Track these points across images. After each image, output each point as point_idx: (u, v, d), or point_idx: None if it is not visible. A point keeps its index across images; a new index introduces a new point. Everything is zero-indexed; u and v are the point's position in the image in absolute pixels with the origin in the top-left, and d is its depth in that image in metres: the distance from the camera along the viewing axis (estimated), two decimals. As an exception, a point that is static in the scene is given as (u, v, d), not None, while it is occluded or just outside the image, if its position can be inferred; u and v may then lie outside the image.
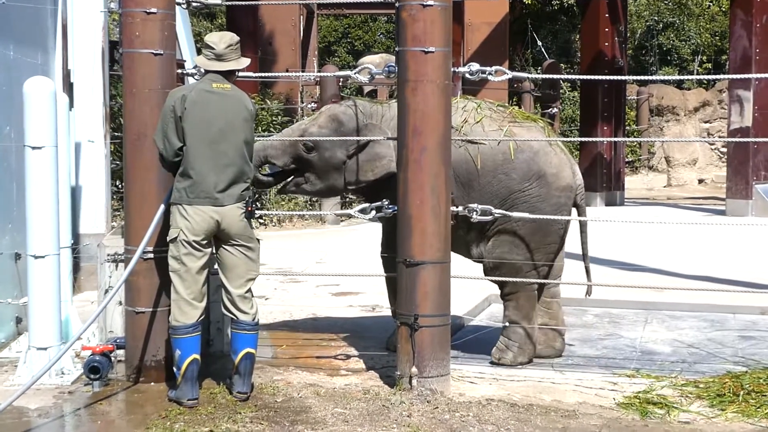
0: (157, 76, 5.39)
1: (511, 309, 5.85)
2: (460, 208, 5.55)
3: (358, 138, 5.91)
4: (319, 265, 9.58)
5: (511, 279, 5.75)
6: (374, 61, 19.98)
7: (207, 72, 5.21)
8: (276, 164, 6.06)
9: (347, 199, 12.68)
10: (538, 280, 5.83)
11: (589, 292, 6.16)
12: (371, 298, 7.77)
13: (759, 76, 13.66)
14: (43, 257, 5.54)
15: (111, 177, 8.49)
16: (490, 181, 5.71)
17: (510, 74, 5.75)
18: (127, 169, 5.47)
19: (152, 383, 5.44)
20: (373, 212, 5.59)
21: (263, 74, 10.70)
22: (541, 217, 5.68)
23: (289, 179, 6.13)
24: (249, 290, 5.22)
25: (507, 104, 6.19)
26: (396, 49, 5.32)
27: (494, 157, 5.72)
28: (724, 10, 27.16)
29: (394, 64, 5.38)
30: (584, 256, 6.08)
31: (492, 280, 5.94)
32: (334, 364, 5.94)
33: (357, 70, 5.79)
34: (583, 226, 6.01)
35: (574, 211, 5.99)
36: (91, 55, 8.10)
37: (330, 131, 5.99)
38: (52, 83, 5.72)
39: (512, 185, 5.72)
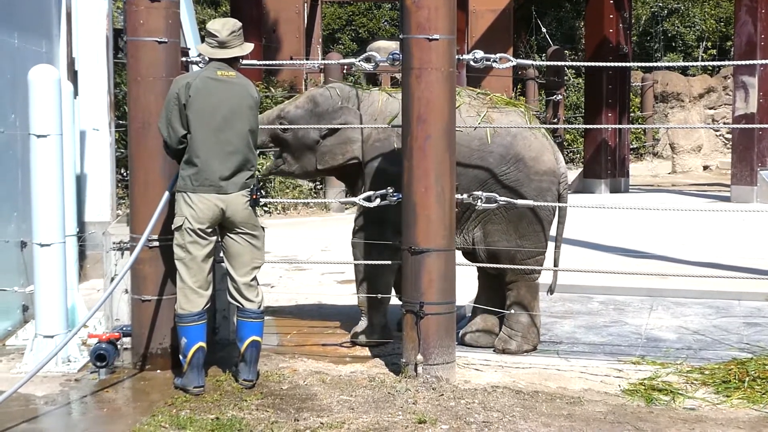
0: (161, 64, 5.39)
1: (512, 298, 5.86)
2: (465, 196, 5.55)
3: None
4: (324, 252, 9.58)
5: (507, 266, 5.75)
6: (390, 47, 19.76)
7: (211, 60, 5.21)
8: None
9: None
10: (535, 267, 5.82)
11: (552, 289, 6.08)
12: (376, 285, 7.77)
13: (764, 62, 13.61)
14: (48, 245, 5.55)
15: (116, 165, 8.48)
16: (466, 167, 5.70)
17: (514, 61, 5.74)
18: (131, 157, 5.48)
19: (158, 371, 5.46)
20: (378, 200, 5.60)
21: (267, 62, 10.66)
22: (551, 204, 5.70)
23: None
24: (254, 278, 5.23)
25: (489, 91, 6.17)
26: (400, 36, 5.31)
27: (470, 143, 5.73)
28: (729, -5, 27.06)
29: (398, 52, 5.38)
30: (556, 247, 5.98)
31: (491, 269, 5.91)
32: (339, 351, 5.95)
33: (361, 57, 5.80)
34: (561, 217, 5.95)
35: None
36: (95, 43, 8.08)
37: (305, 111, 6.09)
38: (56, 71, 5.72)
39: (490, 169, 5.72)
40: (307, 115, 6.06)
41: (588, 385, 5.25)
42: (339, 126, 5.96)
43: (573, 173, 15.72)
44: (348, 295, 7.55)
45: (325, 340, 6.18)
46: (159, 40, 5.37)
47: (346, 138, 5.99)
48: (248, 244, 5.18)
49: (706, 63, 8.94)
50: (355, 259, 6.05)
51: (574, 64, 7.63)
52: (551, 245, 5.94)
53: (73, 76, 7.77)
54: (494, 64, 5.64)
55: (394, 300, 6.05)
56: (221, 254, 5.28)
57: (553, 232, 5.93)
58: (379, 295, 5.94)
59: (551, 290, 6.06)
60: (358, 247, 6.02)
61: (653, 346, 6.05)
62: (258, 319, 5.23)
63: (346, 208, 13.24)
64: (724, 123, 21.17)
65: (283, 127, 6.08)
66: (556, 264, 5.98)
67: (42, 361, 5.04)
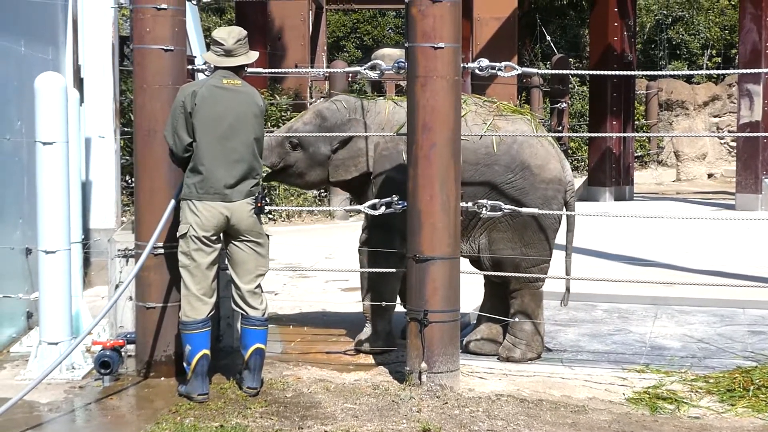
0: (167, 72, 5.41)
1: (516, 306, 5.85)
2: (470, 204, 5.55)
3: (336, 135, 5.99)
4: (328, 260, 9.59)
5: (509, 274, 5.74)
6: (394, 54, 19.73)
7: (217, 68, 5.22)
8: (264, 165, 6.15)
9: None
10: (539, 275, 5.81)
11: (565, 301, 6.04)
12: (380, 293, 7.76)
13: (769, 70, 13.61)
14: (53, 252, 5.56)
15: (121, 172, 8.50)
16: (472, 175, 5.71)
17: (519, 70, 5.74)
18: (137, 164, 5.49)
19: (162, 378, 5.46)
20: (383, 208, 5.60)
21: (273, 70, 10.70)
22: (556, 212, 5.70)
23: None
24: (259, 286, 5.23)
25: (495, 99, 6.16)
26: (405, 44, 5.32)
27: (476, 151, 5.73)
28: (733, 3, 27.05)
29: (403, 60, 5.39)
30: (567, 257, 5.94)
31: (496, 277, 5.91)
32: (343, 359, 5.95)
33: (367, 65, 5.80)
34: (570, 225, 5.93)
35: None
36: (101, 51, 8.11)
37: (314, 127, 6.07)
38: (62, 79, 5.74)
39: (495, 177, 5.72)
40: (316, 131, 6.04)
41: (592, 393, 5.24)
42: (341, 135, 5.97)
43: (577, 181, 15.72)
44: (352, 303, 7.55)
45: (329, 348, 6.17)
46: (165, 47, 5.38)
47: (357, 150, 5.99)
48: (253, 251, 5.19)
49: (711, 71, 8.97)
50: (361, 266, 6.05)
51: (579, 72, 7.63)
52: (556, 253, 5.93)
53: (79, 83, 7.79)
54: (499, 73, 5.64)
55: (399, 307, 6.05)
56: (226, 262, 5.29)
57: (562, 240, 5.93)
58: (384, 303, 5.94)
59: (565, 300, 6.02)
60: (364, 255, 6.02)
61: (657, 355, 6.04)
62: (262, 327, 5.23)
63: (351, 216, 13.26)
64: (729, 131, 21.14)
65: (294, 134, 6.05)
66: (568, 273, 5.96)
67: (47, 368, 5.04)
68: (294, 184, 6.47)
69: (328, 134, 5.99)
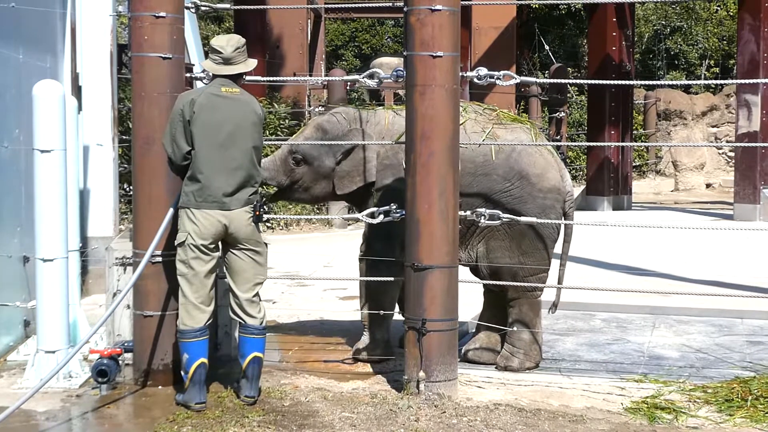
0: (165, 80, 5.41)
1: (514, 315, 5.85)
2: (468, 213, 5.55)
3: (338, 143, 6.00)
4: (326, 269, 9.58)
5: (507, 283, 5.73)
6: (393, 63, 19.76)
7: (215, 76, 5.22)
8: (272, 185, 6.14)
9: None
10: (537, 284, 5.81)
11: (555, 305, 6.02)
12: (378, 302, 7.75)
13: (767, 81, 13.63)
14: (51, 260, 5.55)
15: (119, 180, 8.49)
16: (470, 183, 5.70)
17: (518, 79, 5.74)
18: (135, 172, 5.48)
19: (160, 387, 5.45)
20: (381, 216, 5.59)
21: (271, 78, 10.71)
22: (554, 221, 5.70)
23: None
24: (257, 294, 5.22)
25: (495, 107, 6.16)
26: (404, 53, 5.32)
27: (474, 159, 5.73)
28: (731, 14, 27.10)
29: (402, 69, 5.39)
30: (561, 265, 5.94)
31: (494, 285, 5.90)
32: (341, 368, 5.94)
33: (365, 74, 5.80)
34: (567, 236, 5.94)
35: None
36: (99, 59, 8.11)
37: (316, 141, 6.03)
38: (60, 86, 5.74)
39: (493, 185, 5.72)
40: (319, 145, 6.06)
41: (590, 403, 5.24)
42: (343, 144, 5.97)
43: (576, 190, 15.73)
44: (350, 312, 7.55)
45: (327, 357, 6.16)
46: (163, 55, 5.38)
47: (360, 160, 5.99)
48: (251, 260, 5.18)
49: (709, 81, 8.96)
50: (361, 275, 6.05)
51: (577, 81, 7.62)
52: (554, 262, 5.93)
53: (77, 91, 7.80)
54: (498, 82, 5.64)
55: (397, 316, 6.04)
56: (224, 270, 5.28)
57: (558, 249, 5.92)
58: (382, 312, 5.93)
59: (554, 307, 6.04)
60: (365, 263, 6.01)
61: (656, 364, 6.03)
62: (260, 336, 5.22)
63: (349, 225, 13.25)
64: (727, 141, 21.17)
65: (297, 143, 6.06)
66: (560, 282, 5.96)
67: (45, 377, 5.03)
68: (301, 200, 6.45)
69: (330, 143, 5.98)
